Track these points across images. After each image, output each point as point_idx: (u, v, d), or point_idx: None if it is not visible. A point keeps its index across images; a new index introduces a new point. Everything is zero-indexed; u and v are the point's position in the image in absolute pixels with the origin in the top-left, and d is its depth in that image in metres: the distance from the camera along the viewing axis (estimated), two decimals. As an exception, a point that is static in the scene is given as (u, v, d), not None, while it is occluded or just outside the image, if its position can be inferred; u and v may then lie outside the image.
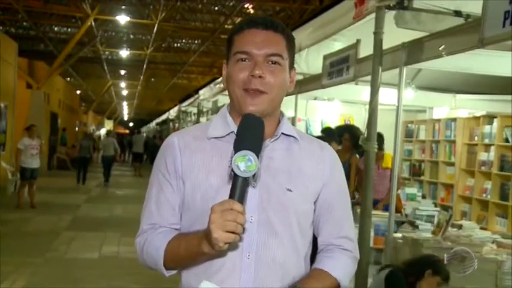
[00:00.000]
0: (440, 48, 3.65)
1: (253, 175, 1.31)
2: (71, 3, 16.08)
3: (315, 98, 8.61)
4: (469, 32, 3.40)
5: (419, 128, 9.33)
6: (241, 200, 1.31)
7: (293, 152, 1.57)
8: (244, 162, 1.29)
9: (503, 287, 4.00)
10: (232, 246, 1.40)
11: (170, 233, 1.53)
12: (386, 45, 4.28)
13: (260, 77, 1.47)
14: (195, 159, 1.53)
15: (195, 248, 1.40)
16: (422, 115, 9.22)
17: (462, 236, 4.51)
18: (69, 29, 20.32)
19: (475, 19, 3.66)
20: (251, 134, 1.36)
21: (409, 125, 9.52)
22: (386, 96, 5.13)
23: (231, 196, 1.31)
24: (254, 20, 1.53)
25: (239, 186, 1.31)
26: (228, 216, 1.28)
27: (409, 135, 9.53)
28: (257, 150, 1.33)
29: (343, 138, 6.54)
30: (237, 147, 1.32)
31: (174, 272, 1.54)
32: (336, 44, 5.89)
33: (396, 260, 4.20)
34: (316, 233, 1.65)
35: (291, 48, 1.56)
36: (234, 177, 1.32)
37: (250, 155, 1.30)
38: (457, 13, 4.03)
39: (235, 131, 1.48)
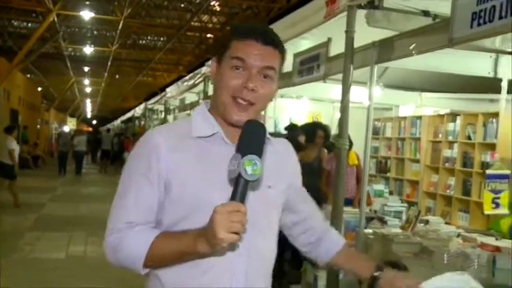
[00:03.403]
0: (410, 47, 3.72)
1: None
2: (32, -3, 15.71)
3: (282, 96, 8.64)
4: (439, 32, 3.46)
5: (385, 126, 9.48)
6: (243, 201, 1.36)
7: (268, 151, 1.62)
8: (251, 166, 1.35)
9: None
10: (230, 246, 1.42)
11: (151, 232, 1.51)
12: (355, 44, 4.33)
13: (253, 90, 1.53)
14: (181, 158, 1.53)
15: (187, 248, 1.41)
16: (389, 113, 9.36)
17: (430, 231, 4.61)
18: (29, 24, 19.83)
19: (444, 19, 3.74)
20: (256, 139, 1.43)
21: (376, 122, 9.62)
22: (354, 94, 5.19)
23: (233, 198, 1.35)
24: (256, 31, 1.57)
25: (242, 189, 1.35)
26: (234, 218, 1.31)
27: (375, 132, 9.62)
28: (261, 155, 1.39)
29: (317, 136, 6.64)
30: (244, 151, 1.37)
31: (148, 270, 1.53)
32: (304, 42, 5.92)
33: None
34: (299, 225, 1.82)
35: (282, 61, 1.63)
36: (237, 179, 1.36)
37: (257, 159, 1.36)
38: (426, 13, 4.12)
39: (220, 132, 1.56)
